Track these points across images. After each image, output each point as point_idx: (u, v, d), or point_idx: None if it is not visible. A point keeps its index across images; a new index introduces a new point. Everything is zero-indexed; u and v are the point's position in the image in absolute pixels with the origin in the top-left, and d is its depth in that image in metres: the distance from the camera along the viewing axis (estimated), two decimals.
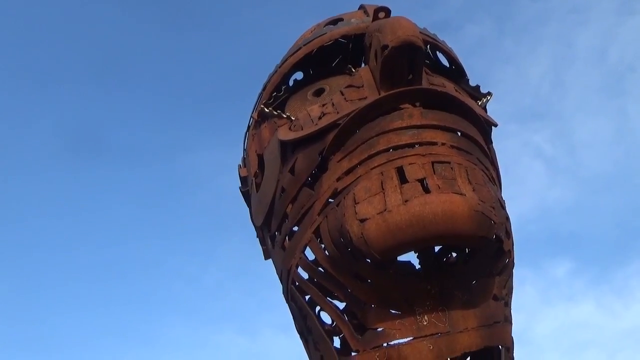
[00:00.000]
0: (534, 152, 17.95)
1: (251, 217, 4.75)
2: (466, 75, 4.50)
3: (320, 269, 3.73)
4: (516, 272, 4.01)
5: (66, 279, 17.09)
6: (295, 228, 3.93)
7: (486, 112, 4.38)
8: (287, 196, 3.94)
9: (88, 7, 17.50)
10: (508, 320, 3.79)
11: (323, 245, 3.67)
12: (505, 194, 3.94)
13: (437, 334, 3.40)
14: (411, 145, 3.44)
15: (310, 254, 3.83)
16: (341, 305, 3.95)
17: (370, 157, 3.47)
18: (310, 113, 3.94)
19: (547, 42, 17.81)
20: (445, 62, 4.50)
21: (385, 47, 3.52)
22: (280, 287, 4.37)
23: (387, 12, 3.97)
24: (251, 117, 4.73)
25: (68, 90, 17.75)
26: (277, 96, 4.35)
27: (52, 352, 15.82)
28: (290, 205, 3.94)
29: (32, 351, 15.63)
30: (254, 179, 4.49)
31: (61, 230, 17.37)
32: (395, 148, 3.45)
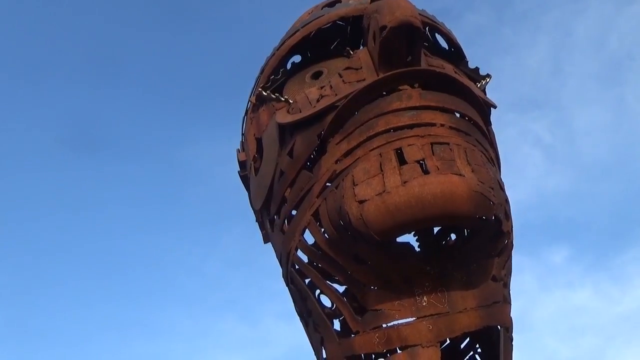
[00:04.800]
0: (532, 140, 17.95)
1: (250, 201, 4.75)
2: (465, 57, 4.47)
3: (319, 251, 3.73)
4: (514, 259, 4.02)
5: (69, 273, 17.16)
6: (294, 212, 3.93)
7: (485, 94, 4.36)
8: (286, 179, 3.93)
9: (83, 2, 17.37)
10: (507, 300, 3.81)
11: (322, 228, 3.67)
12: (504, 182, 3.93)
13: (436, 314, 3.41)
14: (410, 127, 3.42)
15: (309, 237, 3.83)
16: (341, 289, 3.97)
17: (369, 138, 3.46)
18: (308, 95, 3.92)
19: (546, 30, 17.72)
20: (444, 44, 4.47)
21: (383, 28, 3.49)
22: (279, 272, 4.38)
23: None
24: (249, 100, 4.71)
25: (64, 85, 17.68)
26: (275, 79, 4.32)
27: (58, 345, 15.95)
28: (288, 189, 3.93)
29: (39, 345, 15.78)
30: (252, 163, 4.48)
31: (62, 224, 17.38)
32: (394, 129, 3.43)
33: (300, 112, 3.86)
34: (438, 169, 3.22)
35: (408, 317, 3.45)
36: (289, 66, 4.42)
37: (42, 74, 17.36)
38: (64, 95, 17.52)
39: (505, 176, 4.23)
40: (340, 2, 4.50)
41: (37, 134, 17.55)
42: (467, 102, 3.66)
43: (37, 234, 17.32)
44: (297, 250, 3.90)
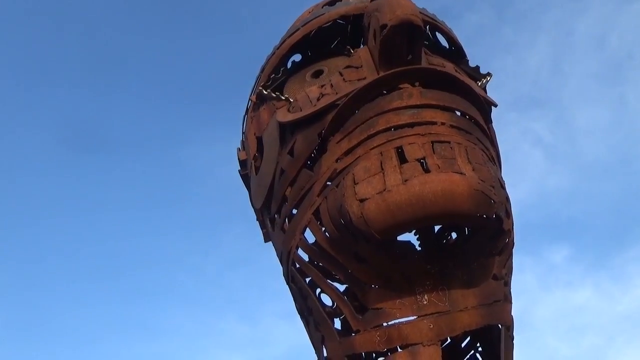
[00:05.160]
0: (533, 139, 17.96)
1: (251, 200, 4.74)
2: (466, 55, 4.46)
3: (320, 250, 3.72)
4: (515, 258, 4.01)
5: (71, 274, 17.19)
6: (295, 210, 3.92)
7: (486, 92, 4.35)
8: (287, 178, 3.92)
9: (84, 3, 17.37)
10: (508, 299, 3.80)
11: (323, 227, 3.66)
12: (504, 181, 3.92)
13: (437, 313, 3.40)
14: (411, 125, 3.41)
15: (310, 236, 3.82)
16: (341, 288, 3.96)
17: (370, 137, 3.45)
18: (309, 94, 3.91)
19: (547, 30, 17.72)
20: (444, 43, 4.46)
21: (384, 26, 3.49)
22: (280, 271, 4.37)
23: None
24: (250, 99, 4.70)
25: (65, 87, 17.68)
26: (276, 78, 4.32)
27: (60, 345, 15.99)
28: (289, 188, 3.92)
29: (42, 344, 15.82)
30: (253, 161, 4.47)
31: (64, 225, 17.38)
32: (395, 128, 3.43)
33: (301, 110, 3.85)
34: (439, 168, 3.21)
35: (409, 316, 3.44)
36: (289, 65, 4.42)
37: (42, 75, 17.38)
38: (65, 97, 17.55)
39: (506, 175, 4.22)
40: (341, 0, 4.49)
41: (38, 136, 17.64)
42: (467, 101, 3.65)
43: (39, 234, 17.35)
44: (297, 249, 3.89)
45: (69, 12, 17.12)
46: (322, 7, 4.50)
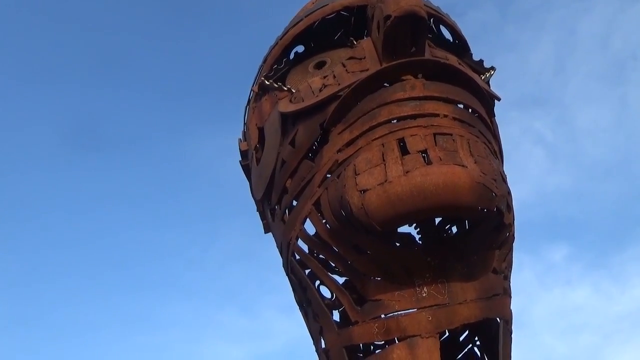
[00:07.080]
0: (534, 138, 17.94)
1: (251, 191, 4.73)
2: (469, 49, 4.44)
3: (320, 241, 3.71)
4: (514, 256, 3.99)
5: (73, 268, 17.24)
6: (295, 201, 3.91)
7: (489, 86, 4.33)
8: (288, 169, 3.91)
9: (85, 1, 17.33)
10: (507, 293, 3.80)
11: (323, 218, 3.65)
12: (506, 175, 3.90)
13: (436, 305, 3.39)
14: (413, 117, 3.40)
15: (310, 227, 3.81)
16: (341, 281, 3.96)
17: (372, 128, 3.43)
18: (311, 85, 3.90)
19: (550, 29, 17.67)
20: (448, 36, 4.44)
21: (388, 17, 3.47)
22: (279, 264, 4.36)
23: None
24: (252, 90, 4.69)
25: (69, 81, 17.67)
26: (278, 69, 4.30)
27: (64, 336, 16.07)
28: (290, 179, 3.91)
29: (45, 336, 15.91)
30: (254, 152, 4.45)
31: (67, 220, 17.42)
32: (397, 119, 3.41)
33: (303, 101, 3.83)
34: (440, 160, 3.20)
35: (408, 308, 3.43)
36: (292, 56, 4.40)
37: (44, 72, 17.39)
38: (67, 93, 17.55)
39: (507, 174, 4.21)
40: None
41: (42, 133, 17.66)
42: (470, 94, 3.63)
43: (43, 229, 17.39)
44: (297, 240, 3.88)
45: (69, 10, 17.08)
46: None
